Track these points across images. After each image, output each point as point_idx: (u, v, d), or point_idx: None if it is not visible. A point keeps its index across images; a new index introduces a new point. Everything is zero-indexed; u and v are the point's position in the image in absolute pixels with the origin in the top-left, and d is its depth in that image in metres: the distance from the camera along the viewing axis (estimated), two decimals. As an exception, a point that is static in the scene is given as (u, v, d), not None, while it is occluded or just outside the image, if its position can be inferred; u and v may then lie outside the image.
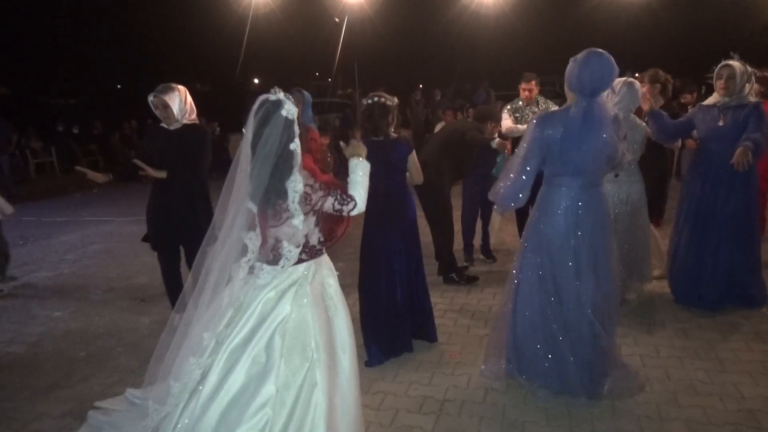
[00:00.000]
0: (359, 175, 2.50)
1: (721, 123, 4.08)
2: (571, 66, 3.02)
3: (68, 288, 5.53)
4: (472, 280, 5.12)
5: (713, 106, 4.19)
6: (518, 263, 3.24)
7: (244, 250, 2.35)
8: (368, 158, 2.59)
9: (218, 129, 13.79)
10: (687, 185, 4.37)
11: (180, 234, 4.15)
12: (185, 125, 4.12)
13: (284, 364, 2.25)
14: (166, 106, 4.02)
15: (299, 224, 2.30)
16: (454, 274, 5.12)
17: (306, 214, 2.32)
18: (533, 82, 5.59)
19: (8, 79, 22.99)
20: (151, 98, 4.05)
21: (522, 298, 3.17)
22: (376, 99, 3.67)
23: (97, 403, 3.08)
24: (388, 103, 3.68)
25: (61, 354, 4.05)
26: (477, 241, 5.79)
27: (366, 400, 3.10)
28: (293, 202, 2.28)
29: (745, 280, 4.23)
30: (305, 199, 2.30)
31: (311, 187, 2.31)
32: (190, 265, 3.95)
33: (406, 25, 18.36)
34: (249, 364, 2.25)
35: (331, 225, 2.47)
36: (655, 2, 10.09)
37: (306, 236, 2.36)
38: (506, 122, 5.64)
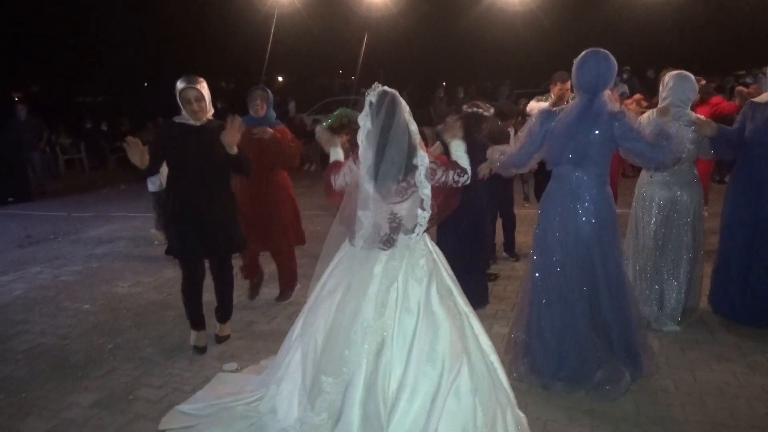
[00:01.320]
0: (462, 151, 2.85)
1: None
2: (574, 65, 3.13)
3: (97, 282, 5.65)
4: (492, 278, 5.10)
5: (766, 103, 3.79)
6: (529, 259, 3.33)
7: (378, 229, 2.65)
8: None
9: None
10: (730, 193, 4.01)
11: (216, 242, 3.79)
12: (209, 120, 3.73)
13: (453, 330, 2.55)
14: (201, 99, 3.63)
15: (428, 194, 2.65)
16: None
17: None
18: (569, 83, 5.48)
19: (38, 78, 23.53)
20: (183, 89, 3.59)
21: (536, 294, 3.20)
22: (473, 110, 4.17)
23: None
24: (485, 114, 4.22)
25: (90, 346, 4.14)
26: (498, 239, 5.77)
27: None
28: (420, 175, 2.63)
29: None
30: (432, 173, 2.65)
31: (434, 162, 2.67)
32: (217, 274, 3.95)
33: (429, 23, 18.33)
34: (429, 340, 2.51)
35: (445, 199, 2.75)
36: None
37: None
38: (535, 104, 5.64)
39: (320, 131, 3.29)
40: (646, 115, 3.98)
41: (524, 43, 16.92)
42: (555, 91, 5.62)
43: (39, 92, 24.46)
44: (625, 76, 15.20)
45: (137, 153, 3.44)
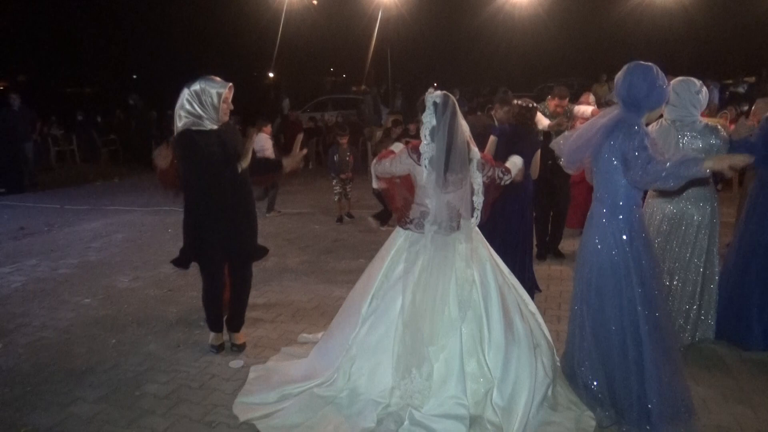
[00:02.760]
0: (515, 161, 3.36)
1: None
2: (617, 77, 2.93)
3: (96, 275, 5.61)
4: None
5: None
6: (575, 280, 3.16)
7: (447, 215, 3.01)
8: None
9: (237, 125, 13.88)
10: (749, 214, 3.80)
11: (242, 247, 3.77)
12: (222, 122, 3.64)
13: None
14: (227, 100, 3.60)
15: (480, 183, 3.06)
16: None
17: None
18: (566, 101, 5.73)
19: (27, 68, 23.24)
20: (220, 90, 3.52)
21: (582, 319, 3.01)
22: (526, 103, 4.58)
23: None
24: (532, 105, 4.61)
25: (92, 340, 4.12)
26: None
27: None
28: (474, 167, 3.04)
29: None
30: (482, 166, 3.09)
31: (484, 158, 3.14)
32: (239, 281, 3.87)
33: (425, 26, 18.38)
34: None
35: (489, 192, 3.16)
36: (690, 5, 10.04)
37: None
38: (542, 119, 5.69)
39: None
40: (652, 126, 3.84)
41: (527, 48, 17.04)
42: (552, 104, 5.73)
43: (27, 82, 24.17)
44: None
45: (166, 157, 3.56)
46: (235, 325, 3.96)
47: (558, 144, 3.14)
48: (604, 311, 2.88)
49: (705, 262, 3.68)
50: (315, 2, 9.25)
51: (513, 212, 4.47)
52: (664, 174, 2.60)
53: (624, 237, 2.84)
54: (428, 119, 2.94)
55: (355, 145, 11.54)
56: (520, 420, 2.76)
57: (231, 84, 3.58)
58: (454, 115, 2.93)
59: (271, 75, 27.78)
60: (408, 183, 3.12)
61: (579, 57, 16.47)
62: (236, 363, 3.69)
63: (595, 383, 2.97)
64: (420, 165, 2.98)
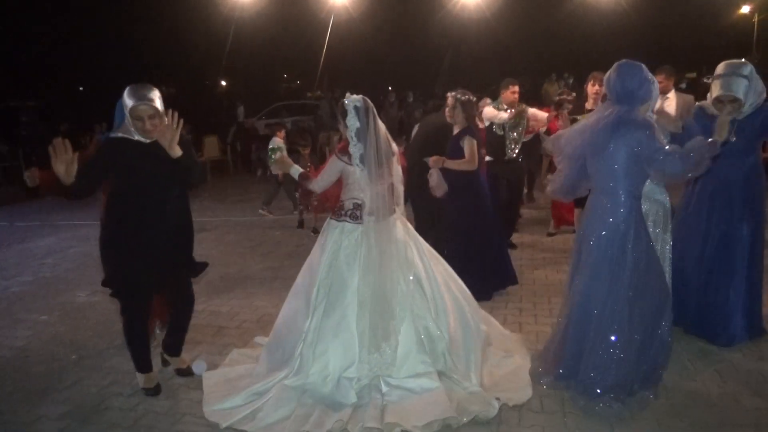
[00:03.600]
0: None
1: (733, 138, 3.48)
2: (606, 76, 3.06)
3: (52, 292, 5.47)
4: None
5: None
6: (570, 273, 3.29)
7: (381, 203, 3.36)
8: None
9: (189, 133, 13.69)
10: (687, 205, 3.89)
11: (176, 268, 3.41)
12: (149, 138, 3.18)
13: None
14: (155, 116, 3.10)
15: (400, 173, 3.56)
16: None
17: None
18: (517, 87, 5.91)
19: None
20: (135, 106, 3.05)
21: (576, 305, 3.15)
22: (467, 97, 4.65)
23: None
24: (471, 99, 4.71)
25: (51, 357, 4.03)
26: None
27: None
28: (395, 161, 3.50)
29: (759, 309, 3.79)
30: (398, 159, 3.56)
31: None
32: (177, 299, 3.56)
33: (379, 29, 18.52)
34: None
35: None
36: (627, 4, 10.48)
37: None
38: (491, 111, 5.84)
39: (274, 166, 3.90)
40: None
41: (476, 50, 17.36)
42: (508, 94, 5.86)
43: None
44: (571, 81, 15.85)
45: (64, 160, 2.91)
46: (177, 350, 3.64)
47: (554, 141, 3.28)
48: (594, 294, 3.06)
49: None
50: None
51: (485, 207, 4.72)
52: (692, 164, 2.79)
53: (625, 227, 2.99)
54: (352, 122, 3.26)
55: (314, 152, 11.52)
56: (475, 368, 3.30)
57: (149, 100, 3.06)
58: (373, 116, 3.30)
59: (224, 83, 27.48)
60: (338, 182, 3.46)
61: (529, 58, 16.92)
62: (199, 368, 3.64)
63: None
64: (351, 164, 3.30)
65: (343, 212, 3.42)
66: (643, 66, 2.99)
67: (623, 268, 2.99)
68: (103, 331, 4.45)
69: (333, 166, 3.38)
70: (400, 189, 3.57)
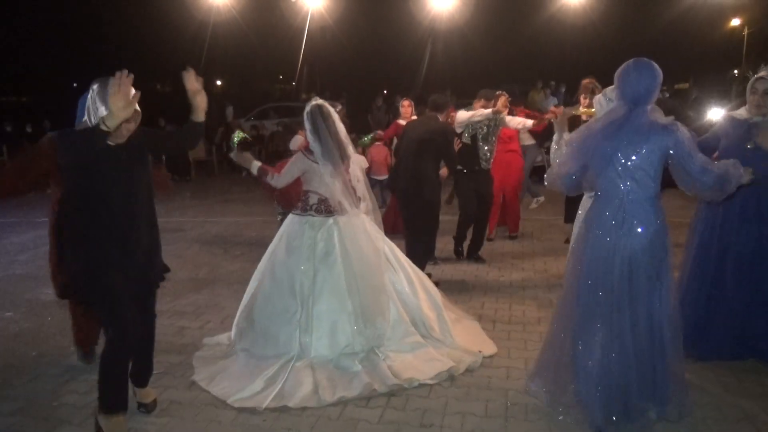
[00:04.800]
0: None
1: (750, 145, 3.43)
2: (615, 77, 2.96)
3: (20, 289, 5.48)
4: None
5: (744, 121, 3.54)
6: (569, 282, 3.09)
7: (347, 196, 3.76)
8: None
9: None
10: (703, 218, 3.70)
11: (144, 275, 3.03)
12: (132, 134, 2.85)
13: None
14: (131, 120, 2.75)
15: (359, 173, 3.90)
16: None
17: None
18: (492, 101, 5.70)
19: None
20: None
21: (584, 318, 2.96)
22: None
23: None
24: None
25: (11, 353, 4.04)
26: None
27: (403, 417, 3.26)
28: (354, 161, 3.86)
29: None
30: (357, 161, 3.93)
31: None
32: (143, 312, 3.06)
33: (369, 34, 18.65)
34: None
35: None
36: (598, 21, 10.64)
37: None
38: (464, 114, 5.70)
39: (236, 157, 3.96)
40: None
41: (464, 55, 17.48)
42: (477, 107, 5.77)
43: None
44: (562, 89, 15.98)
45: (126, 96, 2.51)
46: (145, 378, 3.24)
47: (560, 148, 3.34)
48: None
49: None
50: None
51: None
52: (720, 187, 2.76)
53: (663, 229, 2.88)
54: (308, 125, 3.64)
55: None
56: (448, 329, 3.90)
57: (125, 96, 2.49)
58: (328, 118, 3.64)
59: (218, 83, 27.48)
60: (296, 181, 3.78)
61: (516, 65, 17.10)
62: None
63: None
64: (316, 162, 3.64)
65: (308, 207, 3.74)
66: (641, 62, 2.90)
67: (668, 272, 2.89)
68: (65, 329, 4.42)
69: (297, 163, 3.70)
70: (360, 188, 3.85)
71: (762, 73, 3.46)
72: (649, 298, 2.86)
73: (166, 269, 3.53)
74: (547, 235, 7.06)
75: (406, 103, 7.03)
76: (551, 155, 3.94)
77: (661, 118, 2.86)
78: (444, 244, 6.28)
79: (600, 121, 2.99)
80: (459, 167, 5.64)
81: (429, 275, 5.24)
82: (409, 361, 3.58)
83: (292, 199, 3.92)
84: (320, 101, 3.73)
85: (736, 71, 17.82)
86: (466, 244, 6.13)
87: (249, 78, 26.84)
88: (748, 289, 3.55)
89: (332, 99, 16.83)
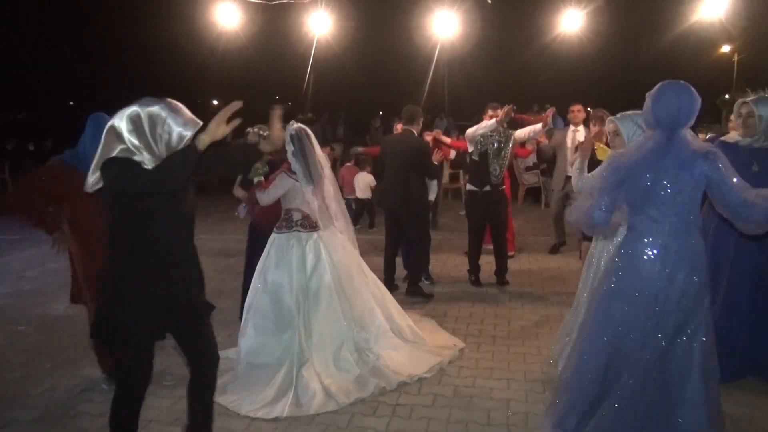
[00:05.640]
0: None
1: (755, 168, 3.42)
2: (646, 101, 2.76)
3: (30, 304, 5.59)
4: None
5: (735, 144, 3.61)
6: (589, 318, 2.93)
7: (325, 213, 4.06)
8: None
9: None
10: (714, 243, 3.61)
11: (193, 309, 2.73)
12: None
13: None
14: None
15: (331, 191, 4.10)
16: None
17: None
18: (498, 111, 5.60)
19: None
20: (183, 135, 2.46)
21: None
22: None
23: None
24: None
25: (26, 366, 4.16)
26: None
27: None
28: (328, 180, 4.06)
29: None
30: (332, 180, 4.16)
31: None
32: (196, 355, 2.76)
33: (368, 57, 19.02)
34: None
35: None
36: (591, 49, 10.98)
37: None
38: (469, 131, 5.68)
39: (236, 190, 4.45)
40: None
41: (464, 82, 17.88)
42: (486, 118, 5.76)
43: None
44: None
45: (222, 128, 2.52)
46: None
47: (582, 175, 3.33)
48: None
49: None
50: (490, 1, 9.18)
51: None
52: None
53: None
54: (288, 147, 3.82)
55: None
56: (417, 330, 4.33)
57: (201, 124, 2.52)
58: (308, 141, 3.85)
59: (215, 102, 27.72)
60: (276, 201, 4.03)
61: (514, 91, 17.52)
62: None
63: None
64: (298, 181, 3.87)
65: (293, 223, 3.98)
66: (677, 84, 2.72)
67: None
68: (78, 342, 4.56)
69: (282, 182, 3.91)
70: (333, 206, 4.11)
71: (746, 99, 3.60)
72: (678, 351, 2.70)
73: (210, 307, 2.99)
74: (534, 247, 7.17)
75: (399, 126, 7.19)
76: (573, 184, 3.75)
77: (700, 144, 2.69)
78: (442, 261, 6.45)
79: (636, 150, 2.75)
80: (470, 187, 5.77)
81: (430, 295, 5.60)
82: (399, 360, 3.97)
83: (272, 219, 4.11)
84: (300, 124, 3.92)
85: (727, 96, 18.23)
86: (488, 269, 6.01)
87: (249, 99, 27.10)
88: (754, 309, 3.59)
89: (331, 121, 17.12)
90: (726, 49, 20.35)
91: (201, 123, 2.51)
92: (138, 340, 2.55)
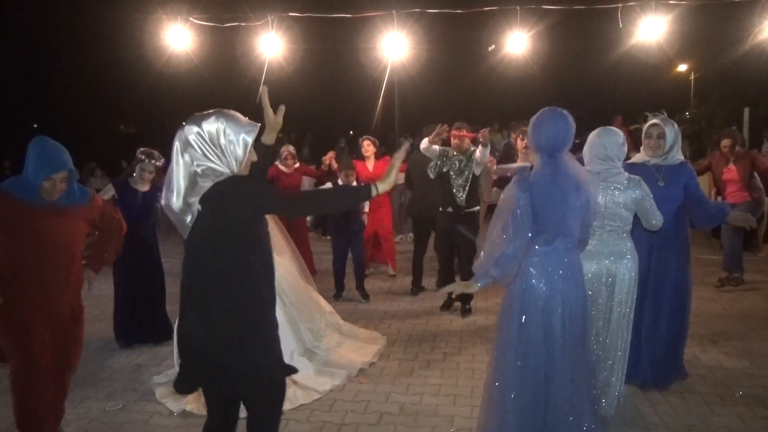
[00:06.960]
0: None
1: (661, 183, 3.82)
2: (529, 127, 2.95)
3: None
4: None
5: (642, 164, 3.92)
6: (501, 336, 2.98)
7: None
8: None
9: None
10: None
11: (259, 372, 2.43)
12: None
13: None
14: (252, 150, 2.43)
15: None
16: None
17: None
18: (464, 131, 5.63)
19: None
20: (247, 139, 2.32)
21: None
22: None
23: None
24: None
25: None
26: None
27: None
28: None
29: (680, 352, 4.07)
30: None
31: None
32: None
33: (326, 84, 19.44)
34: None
35: None
36: (539, 72, 11.45)
37: None
38: (424, 142, 5.68)
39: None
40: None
41: (418, 101, 18.28)
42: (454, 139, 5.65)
43: None
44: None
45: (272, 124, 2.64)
46: None
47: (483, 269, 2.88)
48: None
49: (627, 322, 3.52)
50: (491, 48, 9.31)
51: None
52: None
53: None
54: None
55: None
56: (349, 325, 5.09)
57: (259, 126, 2.42)
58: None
59: (184, 124, 27.53)
60: None
61: (468, 109, 18.04)
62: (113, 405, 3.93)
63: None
64: None
65: None
66: (554, 112, 2.92)
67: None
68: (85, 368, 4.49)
69: None
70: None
71: (655, 120, 3.84)
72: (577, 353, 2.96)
73: (291, 370, 2.58)
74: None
75: (365, 143, 7.33)
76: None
77: (575, 167, 2.88)
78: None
79: (535, 176, 2.84)
80: (440, 208, 5.71)
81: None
82: (345, 352, 4.56)
83: None
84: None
85: (687, 113, 18.97)
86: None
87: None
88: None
89: (297, 140, 17.19)
90: (683, 68, 21.10)
91: (258, 124, 2.40)
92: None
